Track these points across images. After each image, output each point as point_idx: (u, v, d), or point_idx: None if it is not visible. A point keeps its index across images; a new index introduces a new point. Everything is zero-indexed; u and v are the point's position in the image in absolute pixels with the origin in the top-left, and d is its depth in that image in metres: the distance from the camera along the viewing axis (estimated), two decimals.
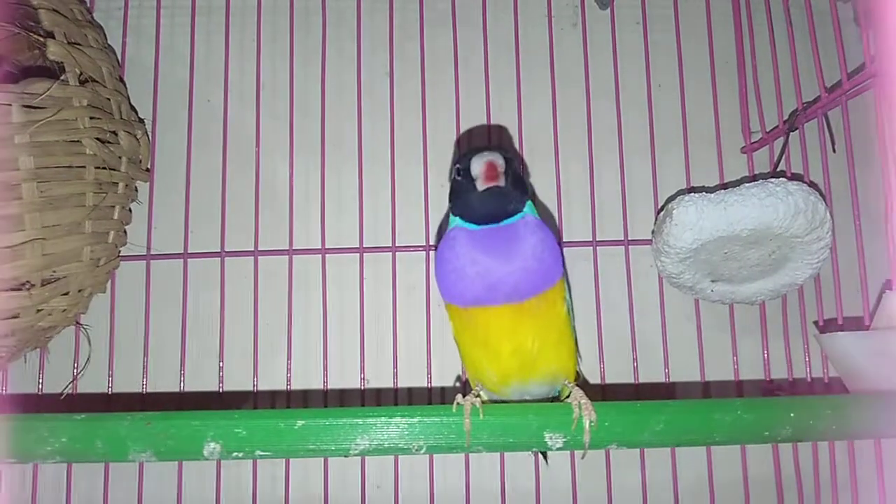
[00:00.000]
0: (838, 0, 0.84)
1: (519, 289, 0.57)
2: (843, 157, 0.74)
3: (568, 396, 0.60)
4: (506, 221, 0.59)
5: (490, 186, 0.57)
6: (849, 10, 0.88)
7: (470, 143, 0.86)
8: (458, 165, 0.60)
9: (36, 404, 0.80)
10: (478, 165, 0.58)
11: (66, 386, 0.80)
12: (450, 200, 0.63)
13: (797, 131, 0.79)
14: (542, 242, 0.59)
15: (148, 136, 0.83)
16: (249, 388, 0.80)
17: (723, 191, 0.71)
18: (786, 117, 0.80)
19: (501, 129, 0.87)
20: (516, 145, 0.86)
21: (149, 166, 0.83)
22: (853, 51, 0.70)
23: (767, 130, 0.84)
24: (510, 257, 0.58)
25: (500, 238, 0.58)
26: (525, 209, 0.61)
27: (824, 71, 0.72)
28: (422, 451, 0.57)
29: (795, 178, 0.75)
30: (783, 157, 0.81)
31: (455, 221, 0.61)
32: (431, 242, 0.82)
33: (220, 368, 0.80)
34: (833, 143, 0.77)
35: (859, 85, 0.66)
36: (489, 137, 0.86)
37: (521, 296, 0.58)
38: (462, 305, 0.59)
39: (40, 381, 0.80)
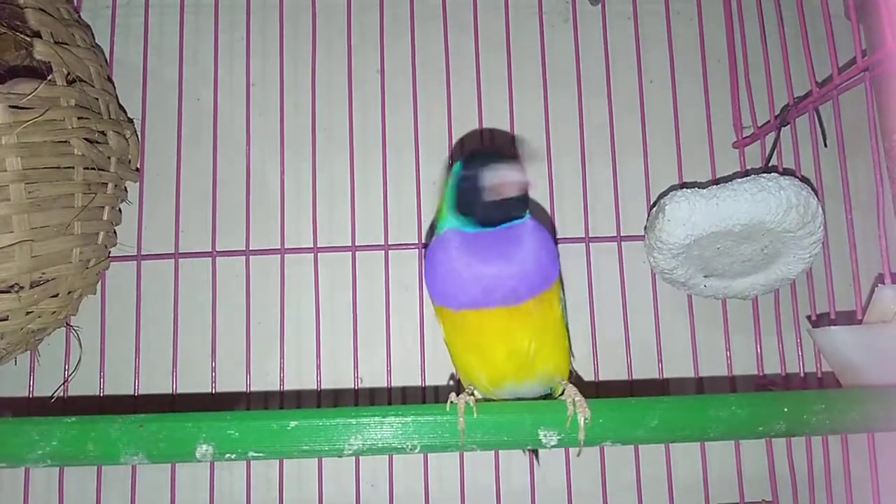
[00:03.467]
0: None
1: (517, 292, 0.57)
2: (834, 151, 0.74)
3: (562, 394, 0.60)
4: (508, 224, 0.58)
5: (506, 197, 0.57)
6: (839, 5, 0.88)
7: (462, 140, 0.86)
8: (468, 168, 0.59)
9: (26, 407, 0.79)
10: (495, 178, 0.56)
11: (57, 389, 0.80)
12: (451, 198, 0.61)
13: (788, 126, 0.79)
14: (539, 245, 0.58)
15: (137, 135, 0.82)
16: (242, 389, 0.80)
17: (715, 186, 0.71)
18: (777, 112, 0.81)
19: (493, 129, 0.87)
20: (509, 141, 0.86)
21: (138, 166, 0.83)
22: (844, 46, 0.70)
23: (759, 126, 0.84)
24: (508, 260, 0.57)
25: (498, 240, 0.58)
26: (527, 213, 0.60)
27: (815, 66, 0.72)
28: (416, 451, 0.57)
29: (787, 173, 0.76)
30: (775, 152, 0.81)
31: (450, 222, 0.60)
32: (424, 241, 0.82)
33: (213, 369, 0.80)
34: (824, 138, 0.77)
35: (850, 80, 0.66)
36: (481, 134, 0.86)
37: (518, 298, 0.57)
38: (455, 309, 0.58)
39: (31, 383, 0.79)
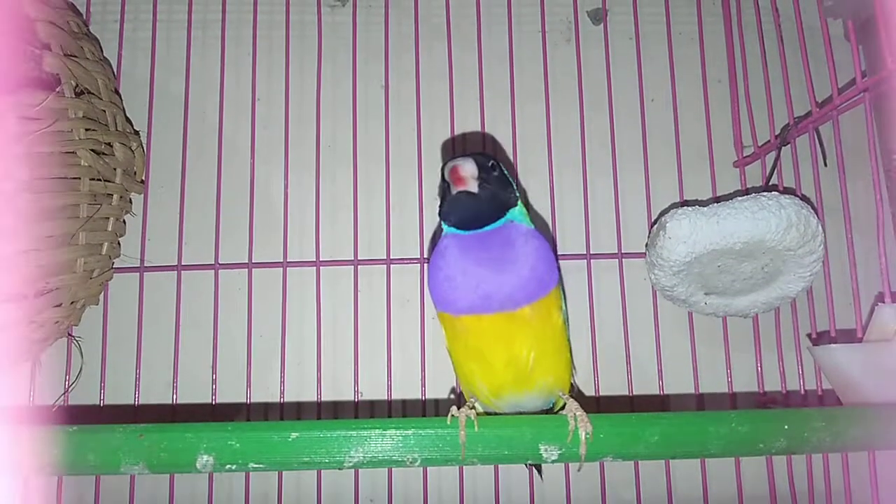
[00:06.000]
0: (828, 17, 0.85)
1: (512, 297, 0.57)
2: (834, 170, 0.74)
3: (562, 408, 0.60)
4: (490, 226, 0.60)
5: (461, 191, 0.58)
6: (839, 27, 0.89)
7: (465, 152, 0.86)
8: (442, 172, 0.61)
9: (27, 416, 0.79)
10: (448, 170, 0.59)
11: (58, 398, 0.79)
12: (440, 206, 0.63)
13: (789, 145, 0.80)
14: (534, 250, 0.59)
15: (143, 147, 0.83)
16: (243, 400, 0.80)
17: (716, 204, 0.71)
18: (777, 132, 0.81)
19: (495, 142, 0.87)
20: (511, 159, 0.86)
21: (143, 178, 0.83)
22: (843, 67, 0.71)
23: (759, 145, 0.84)
24: (502, 265, 0.57)
25: (491, 245, 0.59)
26: (510, 215, 0.61)
27: (815, 86, 0.73)
28: (416, 464, 0.57)
29: (787, 191, 0.76)
30: (775, 171, 0.81)
31: (445, 228, 0.62)
32: (426, 255, 0.82)
33: (214, 381, 0.80)
34: (824, 157, 0.77)
35: (850, 100, 0.67)
36: (484, 149, 0.86)
37: (514, 304, 0.57)
38: (455, 314, 0.59)
39: (32, 393, 0.79)
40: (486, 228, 0.60)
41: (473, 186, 0.58)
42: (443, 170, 0.60)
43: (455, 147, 0.85)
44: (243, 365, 0.80)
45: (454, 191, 0.59)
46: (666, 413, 0.60)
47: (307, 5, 0.88)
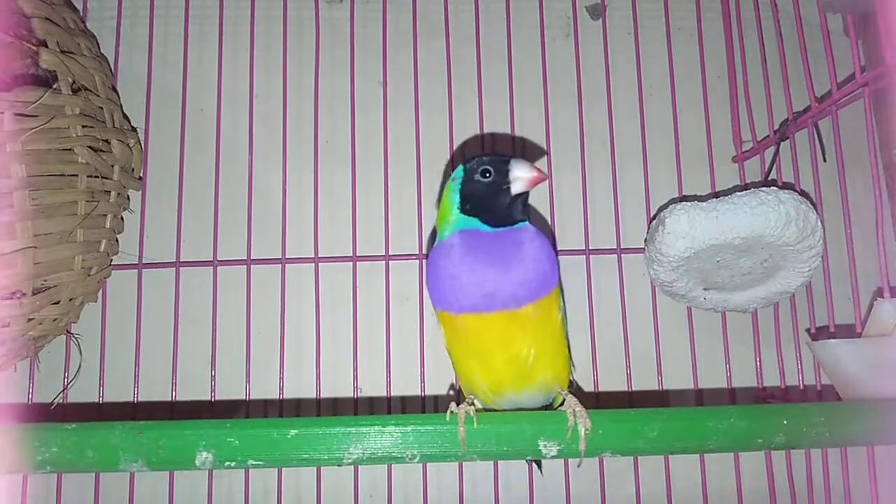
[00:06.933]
0: (828, 11, 0.85)
1: (517, 295, 0.57)
2: (833, 166, 0.74)
3: (562, 404, 0.60)
4: (517, 226, 0.61)
5: (526, 191, 0.60)
6: (838, 22, 0.89)
7: (464, 152, 0.86)
8: (485, 166, 0.61)
9: (26, 414, 0.79)
10: (522, 170, 0.60)
11: (57, 395, 0.79)
12: (455, 201, 0.62)
13: (788, 141, 0.80)
14: (541, 249, 0.59)
15: (140, 144, 0.83)
16: (242, 397, 0.80)
17: (715, 199, 0.71)
18: (776, 127, 0.81)
19: (494, 138, 0.87)
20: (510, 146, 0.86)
21: (141, 175, 0.83)
22: (843, 62, 0.71)
23: (758, 140, 0.84)
24: (509, 264, 0.57)
25: (503, 244, 0.59)
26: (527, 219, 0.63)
27: (814, 81, 0.73)
28: (415, 460, 0.57)
29: (786, 186, 0.76)
30: (774, 166, 0.81)
31: (452, 226, 0.61)
32: (425, 251, 0.82)
33: (213, 377, 0.80)
34: (823, 153, 0.77)
35: (849, 95, 0.67)
36: (482, 146, 0.86)
37: (517, 302, 0.57)
38: (456, 313, 0.59)
39: (30, 390, 0.79)
40: (508, 228, 0.60)
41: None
42: (498, 165, 0.61)
43: (453, 144, 0.85)
44: (242, 362, 0.80)
45: (520, 189, 0.60)
46: (665, 408, 0.60)
47: (305, 1, 0.88)
